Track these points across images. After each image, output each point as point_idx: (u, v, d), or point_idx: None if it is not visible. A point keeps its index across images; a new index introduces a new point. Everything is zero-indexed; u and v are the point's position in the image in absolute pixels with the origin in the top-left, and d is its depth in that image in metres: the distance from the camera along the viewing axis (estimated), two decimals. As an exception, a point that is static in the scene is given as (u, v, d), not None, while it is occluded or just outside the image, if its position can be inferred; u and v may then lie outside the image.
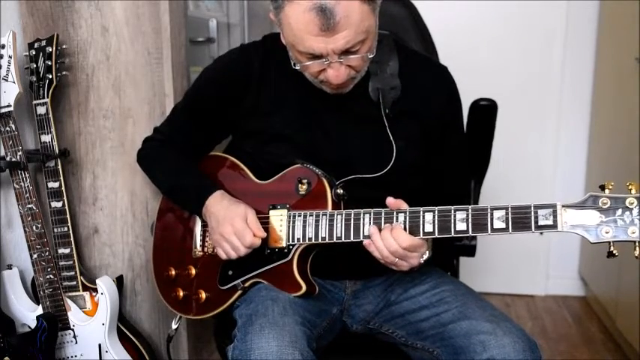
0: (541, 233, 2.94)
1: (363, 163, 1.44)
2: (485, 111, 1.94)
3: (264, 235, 1.41)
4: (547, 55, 2.95)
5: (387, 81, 1.46)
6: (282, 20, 1.34)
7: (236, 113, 1.52)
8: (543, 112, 3.00)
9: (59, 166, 1.72)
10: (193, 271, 1.56)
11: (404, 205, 1.33)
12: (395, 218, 1.32)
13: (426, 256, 1.35)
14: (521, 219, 1.23)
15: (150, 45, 1.79)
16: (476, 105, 1.93)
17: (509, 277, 3.14)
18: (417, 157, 1.49)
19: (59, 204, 1.72)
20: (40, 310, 1.73)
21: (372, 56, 1.37)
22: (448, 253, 1.83)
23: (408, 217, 1.31)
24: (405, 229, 1.31)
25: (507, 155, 2.72)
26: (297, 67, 1.39)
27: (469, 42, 2.91)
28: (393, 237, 1.30)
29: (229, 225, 1.42)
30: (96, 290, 1.77)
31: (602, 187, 1.20)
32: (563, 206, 1.21)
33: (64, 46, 1.75)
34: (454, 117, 1.57)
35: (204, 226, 1.55)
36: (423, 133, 1.48)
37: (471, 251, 1.91)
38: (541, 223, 1.21)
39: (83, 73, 1.80)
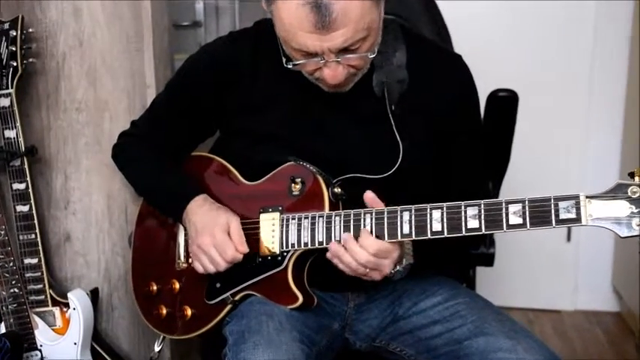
0: (568, 240, 2.99)
1: (364, 164, 1.43)
2: (505, 103, 1.95)
3: (247, 250, 1.42)
4: (574, 40, 2.93)
5: (393, 73, 1.44)
6: (273, 12, 1.34)
7: (223, 109, 1.51)
8: (571, 104, 2.97)
9: (25, 166, 1.73)
10: (177, 285, 1.55)
11: (380, 205, 1.33)
12: (399, 217, 1.31)
13: (404, 263, 1.35)
14: (540, 213, 1.22)
15: (129, 29, 1.81)
16: (494, 96, 1.94)
17: (532, 289, 3.11)
18: (426, 158, 1.48)
19: (26, 208, 1.73)
20: (2, 329, 1.74)
21: (372, 56, 1.36)
22: (450, 257, 1.77)
23: (414, 216, 1.30)
24: (410, 228, 1.30)
25: (529, 153, 2.68)
26: (289, 66, 1.37)
27: (487, 27, 2.89)
28: (360, 245, 1.31)
29: (208, 236, 1.42)
30: (67, 305, 1.77)
31: (632, 175, 1.19)
32: (587, 197, 1.20)
33: (30, 30, 1.75)
34: (469, 112, 1.55)
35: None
36: (434, 131, 1.47)
37: (488, 260, 1.91)
38: (562, 216, 1.20)
39: (53, 60, 1.81)
